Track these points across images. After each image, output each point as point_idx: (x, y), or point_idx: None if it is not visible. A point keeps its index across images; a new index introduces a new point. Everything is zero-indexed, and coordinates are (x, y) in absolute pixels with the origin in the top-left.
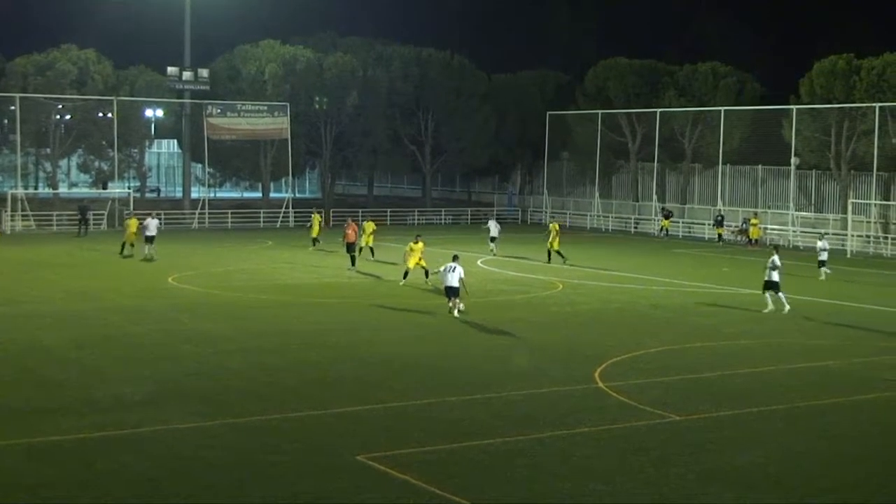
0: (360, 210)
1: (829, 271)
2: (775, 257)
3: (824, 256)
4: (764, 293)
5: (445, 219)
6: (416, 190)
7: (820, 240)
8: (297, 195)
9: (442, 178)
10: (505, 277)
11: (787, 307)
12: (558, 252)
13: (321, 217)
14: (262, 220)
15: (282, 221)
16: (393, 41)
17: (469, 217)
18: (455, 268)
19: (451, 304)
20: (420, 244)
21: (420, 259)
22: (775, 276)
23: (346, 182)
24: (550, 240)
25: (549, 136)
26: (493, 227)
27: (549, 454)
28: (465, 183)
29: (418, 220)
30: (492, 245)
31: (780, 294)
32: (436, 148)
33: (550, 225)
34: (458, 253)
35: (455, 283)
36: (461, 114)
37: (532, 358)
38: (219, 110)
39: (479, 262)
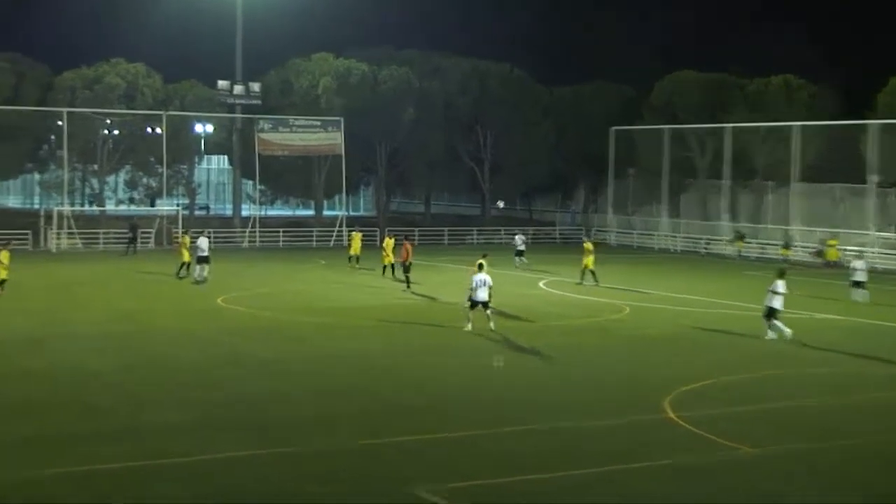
0: (417, 229)
1: (866, 294)
2: (779, 282)
3: (860, 277)
4: (765, 320)
5: (506, 238)
6: (474, 208)
7: (858, 259)
8: (351, 213)
9: (502, 195)
10: (568, 300)
11: (789, 332)
12: (591, 272)
13: (361, 235)
14: (314, 238)
15: (335, 240)
16: (450, 54)
17: (530, 236)
18: (484, 280)
19: (469, 320)
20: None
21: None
22: (776, 303)
23: (401, 199)
24: (584, 259)
25: (615, 152)
26: (520, 242)
27: (615, 487)
28: (526, 200)
29: (477, 239)
30: (518, 260)
31: (777, 321)
32: (494, 164)
33: (584, 244)
34: (483, 262)
35: (485, 297)
36: (521, 128)
37: (597, 385)
38: (270, 125)
39: (540, 284)
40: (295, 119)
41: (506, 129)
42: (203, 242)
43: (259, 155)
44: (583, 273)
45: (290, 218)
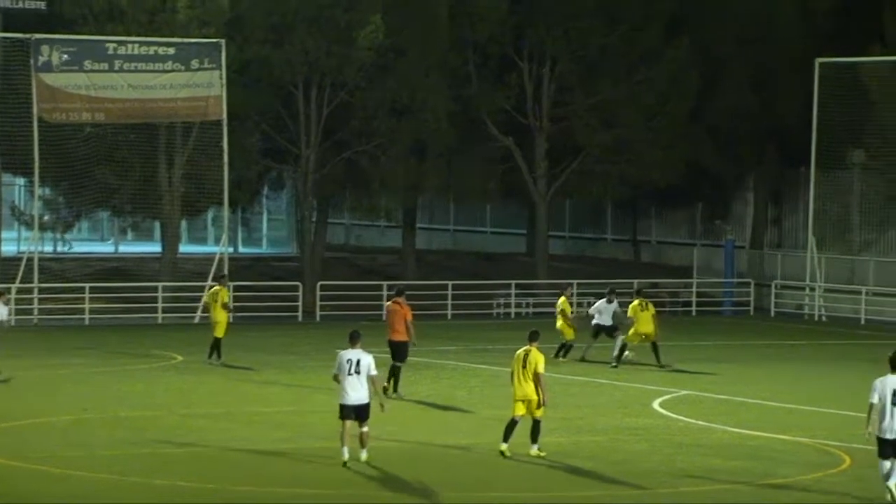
0: (385, 283)
1: None
2: None
3: None
4: None
5: (581, 303)
6: (513, 238)
7: None
8: (244, 250)
9: (572, 210)
10: (717, 439)
11: None
12: (653, 345)
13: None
14: (160, 304)
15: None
16: None
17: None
18: (358, 362)
19: (343, 442)
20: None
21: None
22: None
23: (354, 221)
24: (636, 326)
25: (820, 115)
26: (605, 311)
27: None
28: (623, 219)
29: (517, 303)
30: (618, 353)
31: None
32: (558, 142)
33: (636, 303)
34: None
35: (362, 397)
36: (618, 63)
37: None
38: (66, 56)
39: (655, 405)
40: (122, 44)
41: (584, 63)
42: (2, 310)
43: (41, 121)
44: (623, 350)
45: (107, 259)
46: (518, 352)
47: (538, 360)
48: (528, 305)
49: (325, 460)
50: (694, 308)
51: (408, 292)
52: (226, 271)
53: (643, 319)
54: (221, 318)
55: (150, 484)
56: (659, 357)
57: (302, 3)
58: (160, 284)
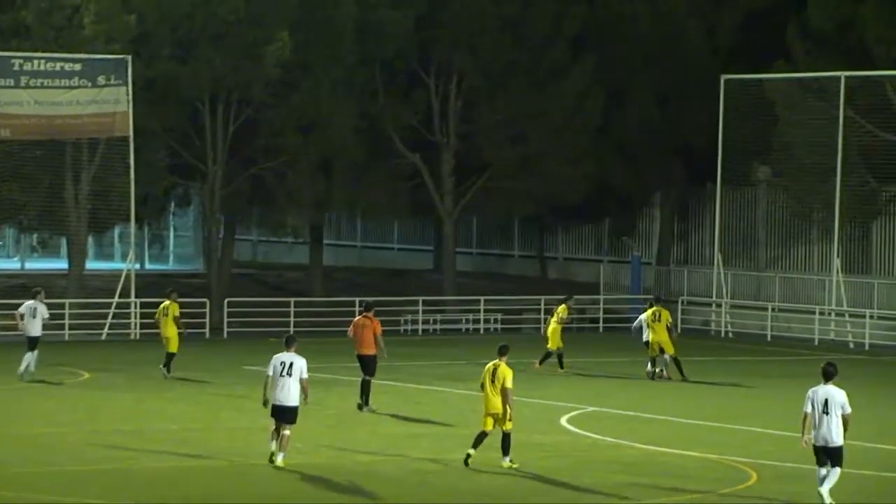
0: (292, 299)
1: None
2: None
3: None
4: None
5: (488, 319)
6: (420, 254)
7: None
8: (150, 266)
9: (480, 227)
10: (624, 456)
11: None
12: (674, 360)
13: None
14: (66, 320)
15: (113, 321)
16: None
17: (543, 312)
18: (291, 364)
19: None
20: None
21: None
22: None
23: (261, 237)
24: (654, 336)
25: (726, 132)
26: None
27: None
28: (530, 236)
29: (425, 319)
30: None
31: None
32: (465, 158)
33: (649, 313)
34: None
35: (291, 398)
36: (525, 79)
37: None
38: None
39: (563, 421)
40: (26, 62)
41: (491, 79)
42: (41, 309)
43: None
44: (654, 363)
45: (13, 276)
46: (488, 365)
47: (507, 374)
48: (435, 322)
49: (233, 478)
50: (601, 325)
51: (314, 309)
52: (132, 286)
53: (655, 329)
54: (172, 333)
55: (59, 503)
56: (682, 370)
57: (208, 20)
58: (67, 301)
